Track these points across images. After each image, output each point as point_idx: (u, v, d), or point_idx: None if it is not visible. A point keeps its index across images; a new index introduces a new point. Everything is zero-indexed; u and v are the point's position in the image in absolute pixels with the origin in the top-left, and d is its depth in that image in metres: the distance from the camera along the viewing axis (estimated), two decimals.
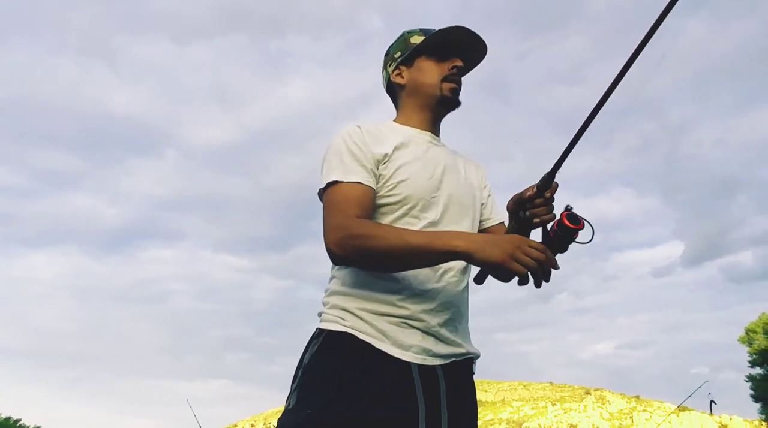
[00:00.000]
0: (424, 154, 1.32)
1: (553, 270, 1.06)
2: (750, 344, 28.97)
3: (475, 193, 1.39)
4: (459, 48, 1.38)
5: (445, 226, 1.27)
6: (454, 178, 1.34)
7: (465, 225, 1.32)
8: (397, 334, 1.18)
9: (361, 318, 1.19)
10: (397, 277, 1.20)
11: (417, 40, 1.38)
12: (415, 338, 1.19)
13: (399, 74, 1.41)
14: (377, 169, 1.27)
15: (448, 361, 1.22)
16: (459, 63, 1.36)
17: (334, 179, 1.22)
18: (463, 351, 1.25)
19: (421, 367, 1.18)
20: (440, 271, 1.24)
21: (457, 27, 1.35)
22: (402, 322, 1.19)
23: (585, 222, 1.08)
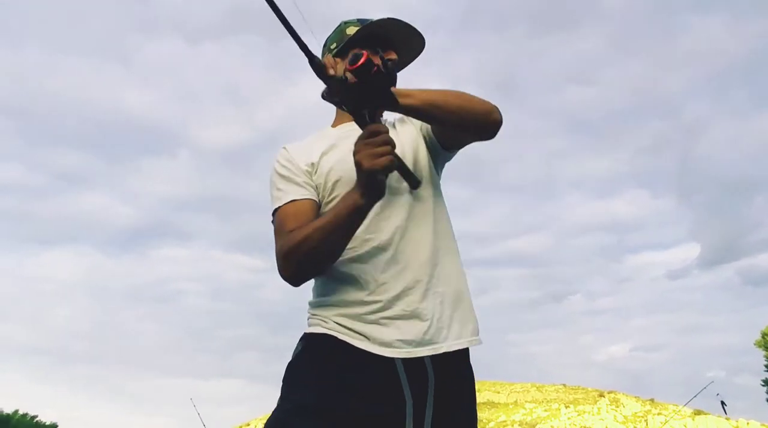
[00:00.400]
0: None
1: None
2: (766, 348, 28.60)
3: (416, 148, 1.32)
4: (395, 41, 1.36)
5: (387, 202, 1.22)
6: None
7: (403, 187, 1.26)
8: (375, 332, 1.16)
9: (338, 324, 1.19)
10: (356, 276, 1.20)
11: (352, 31, 1.36)
12: (395, 332, 1.15)
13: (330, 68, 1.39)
14: (311, 179, 1.28)
15: (439, 352, 1.16)
16: (393, 56, 1.33)
17: (275, 207, 1.26)
18: (449, 334, 1.19)
19: (407, 361, 1.15)
20: (389, 252, 1.20)
21: (390, 19, 1.33)
22: (380, 318, 1.17)
23: (367, 54, 1.00)
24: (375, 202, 1.11)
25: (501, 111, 1.23)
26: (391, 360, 1.15)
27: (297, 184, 1.27)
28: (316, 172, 1.29)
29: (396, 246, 1.21)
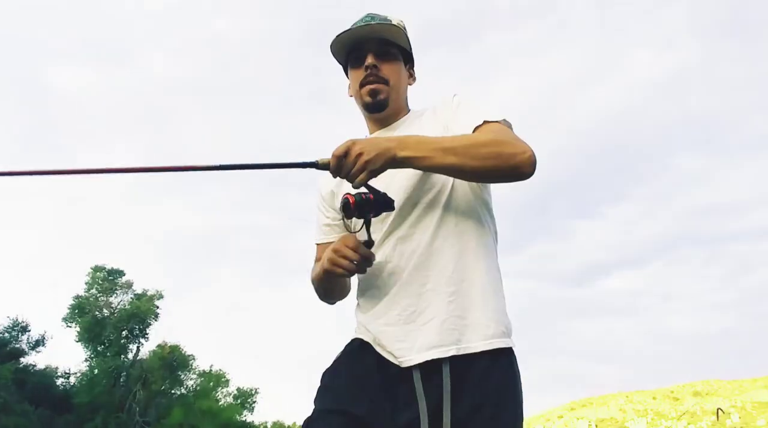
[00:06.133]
0: None
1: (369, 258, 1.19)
2: None
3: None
4: (369, 42, 1.35)
5: (403, 218, 1.26)
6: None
7: (403, 186, 1.26)
8: (383, 340, 1.23)
9: (365, 329, 1.28)
10: (369, 282, 1.29)
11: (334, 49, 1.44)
12: (396, 340, 1.21)
13: (348, 89, 1.45)
14: (329, 207, 1.43)
15: (459, 353, 1.17)
16: (369, 61, 1.33)
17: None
18: (461, 343, 1.18)
19: (423, 366, 1.17)
20: (391, 264, 1.25)
21: (348, 31, 1.34)
22: (382, 325, 1.24)
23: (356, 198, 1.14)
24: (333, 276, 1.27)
25: (534, 157, 1.17)
26: (407, 367, 1.18)
27: (319, 224, 1.45)
28: (335, 198, 1.38)
29: (399, 256, 1.25)
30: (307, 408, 1.26)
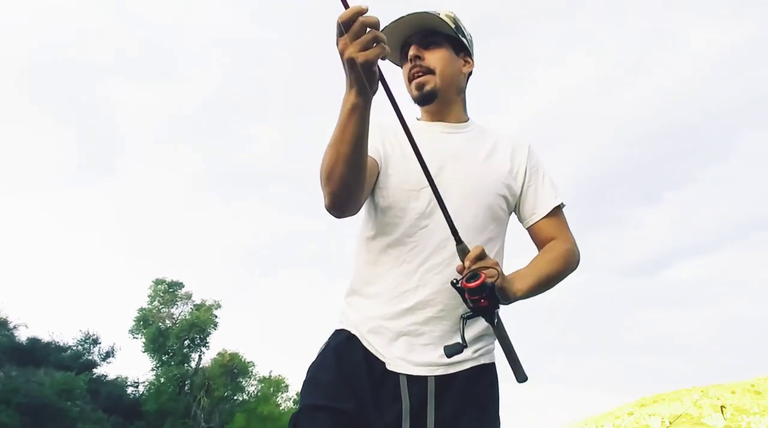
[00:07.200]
0: (427, 144, 1.20)
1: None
2: None
3: (498, 180, 1.32)
4: (412, 36, 1.34)
5: (443, 251, 1.25)
6: (461, 165, 1.29)
7: (470, 212, 1.26)
8: (378, 342, 1.23)
9: (359, 322, 1.27)
10: (379, 279, 1.28)
11: None
12: (392, 347, 1.22)
13: None
14: (383, 145, 1.30)
15: (448, 372, 1.22)
16: (412, 52, 1.33)
17: None
18: (453, 361, 1.20)
19: (410, 377, 1.20)
20: (423, 267, 1.25)
21: (388, 29, 1.31)
22: (382, 328, 1.24)
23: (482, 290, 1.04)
24: (371, 96, 1.00)
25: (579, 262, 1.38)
26: (396, 374, 1.20)
27: (373, 145, 1.25)
28: (391, 147, 1.31)
29: (424, 266, 1.25)
30: None
